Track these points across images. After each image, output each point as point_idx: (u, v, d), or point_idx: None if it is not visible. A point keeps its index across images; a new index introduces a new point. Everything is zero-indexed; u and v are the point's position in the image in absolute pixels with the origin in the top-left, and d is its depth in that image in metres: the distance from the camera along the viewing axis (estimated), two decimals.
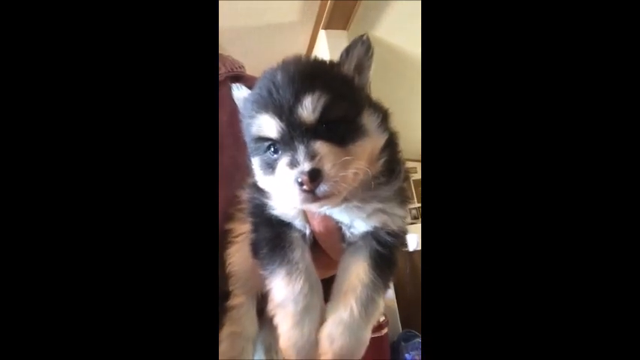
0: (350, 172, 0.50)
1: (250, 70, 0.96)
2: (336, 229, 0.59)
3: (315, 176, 0.48)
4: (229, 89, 0.69)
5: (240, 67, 0.93)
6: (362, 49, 0.59)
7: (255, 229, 0.62)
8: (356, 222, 0.58)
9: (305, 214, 0.60)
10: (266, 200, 0.61)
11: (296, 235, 0.59)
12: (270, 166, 0.55)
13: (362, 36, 0.59)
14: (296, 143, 0.50)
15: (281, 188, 0.53)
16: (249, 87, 0.63)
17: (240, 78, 0.90)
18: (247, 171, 0.65)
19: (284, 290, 0.55)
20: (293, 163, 0.50)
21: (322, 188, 0.49)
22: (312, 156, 0.49)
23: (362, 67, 0.60)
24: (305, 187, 0.48)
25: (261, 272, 0.58)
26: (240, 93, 0.64)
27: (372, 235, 0.58)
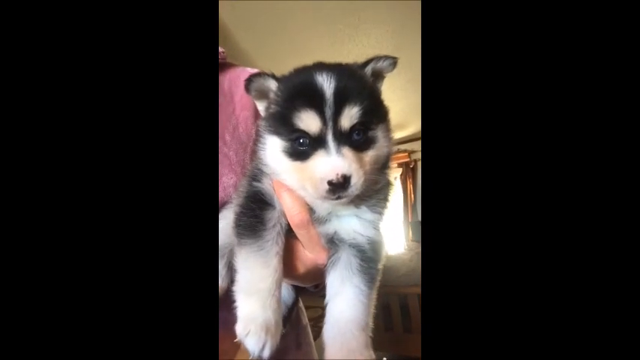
0: (363, 178, 0.55)
1: None
2: (310, 222, 0.61)
3: (347, 180, 0.53)
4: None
5: (221, 53, 0.89)
6: (388, 62, 0.64)
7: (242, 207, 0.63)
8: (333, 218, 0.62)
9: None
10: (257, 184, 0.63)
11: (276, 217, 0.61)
12: (296, 154, 0.58)
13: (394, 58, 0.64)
14: (331, 145, 0.55)
15: (306, 177, 0.56)
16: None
17: (222, 65, 0.89)
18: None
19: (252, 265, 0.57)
20: (330, 163, 0.54)
21: (348, 191, 0.53)
22: (346, 160, 0.54)
23: (380, 76, 0.66)
24: (333, 187, 0.53)
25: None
26: (270, 83, 0.64)
27: (354, 246, 0.61)
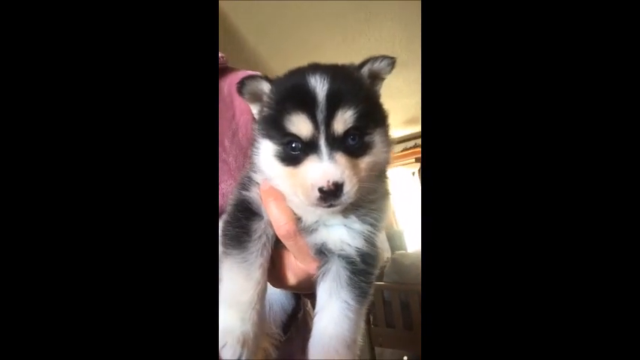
0: (357, 186, 0.53)
1: None
2: (297, 233, 0.60)
3: (339, 187, 0.51)
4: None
5: (221, 58, 0.88)
6: (385, 62, 0.61)
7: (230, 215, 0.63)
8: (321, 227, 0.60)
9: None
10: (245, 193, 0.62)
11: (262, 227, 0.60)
12: (288, 158, 0.56)
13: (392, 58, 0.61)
14: (323, 150, 0.53)
15: (297, 183, 0.54)
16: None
17: (223, 70, 0.88)
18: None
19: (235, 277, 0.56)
20: (321, 169, 0.52)
21: (341, 199, 0.52)
22: (338, 167, 0.52)
23: (379, 78, 0.63)
24: (324, 194, 0.51)
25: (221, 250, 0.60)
26: (264, 85, 0.63)
27: (343, 258, 0.59)
